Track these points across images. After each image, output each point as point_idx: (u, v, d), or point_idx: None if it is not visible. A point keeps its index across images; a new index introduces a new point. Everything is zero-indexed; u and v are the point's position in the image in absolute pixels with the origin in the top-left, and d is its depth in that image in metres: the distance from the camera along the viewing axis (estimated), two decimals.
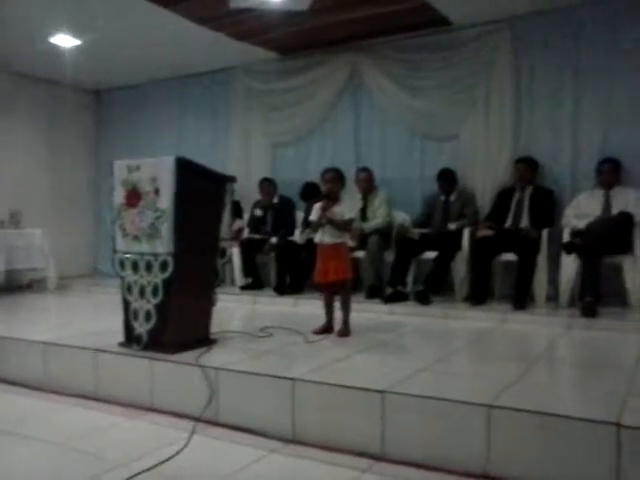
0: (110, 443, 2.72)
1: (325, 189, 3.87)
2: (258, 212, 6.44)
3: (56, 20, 5.42)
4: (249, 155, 6.92)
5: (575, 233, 4.65)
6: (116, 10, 5.19)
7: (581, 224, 4.64)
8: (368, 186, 5.80)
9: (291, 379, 2.75)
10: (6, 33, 5.80)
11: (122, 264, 3.53)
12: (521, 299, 4.61)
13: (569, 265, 4.63)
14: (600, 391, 2.62)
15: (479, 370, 3.14)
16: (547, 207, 5.06)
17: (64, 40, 5.97)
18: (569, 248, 4.54)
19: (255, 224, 6.42)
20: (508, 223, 5.12)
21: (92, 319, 4.87)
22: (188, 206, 3.35)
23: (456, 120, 5.74)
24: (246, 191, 6.63)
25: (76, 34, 5.84)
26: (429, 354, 3.45)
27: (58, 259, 6.84)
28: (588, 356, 3.56)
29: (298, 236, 5.91)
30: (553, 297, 4.79)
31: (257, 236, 6.26)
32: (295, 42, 6.14)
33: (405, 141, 6.06)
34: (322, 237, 3.80)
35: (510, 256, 4.88)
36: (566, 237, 4.74)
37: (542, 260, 4.76)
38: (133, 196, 3.48)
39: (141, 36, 5.90)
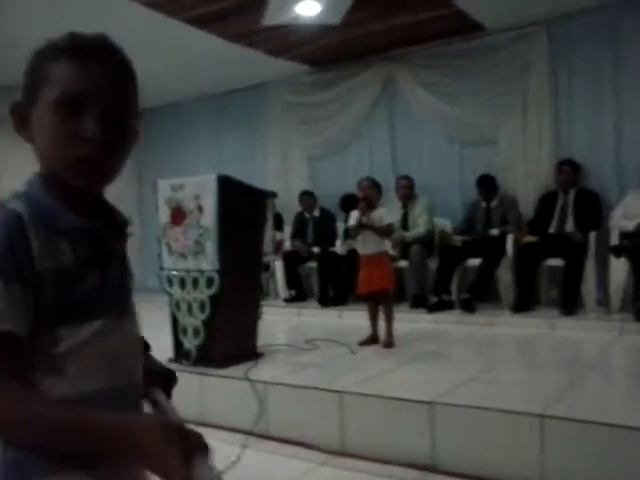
0: None
1: (361, 195, 3.88)
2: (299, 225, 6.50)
3: None
4: (287, 168, 6.99)
5: (624, 235, 4.54)
6: (154, 33, 5.32)
7: (630, 225, 4.52)
8: (408, 194, 5.79)
9: (338, 391, 2.76)
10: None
11: (169, 281, 3.61)
12: (569, 304, 4.52)
13: (619, 268, 4.52)
14: None
15: (529, 379, 3.10)
16: (592, 209, 4.95)
17: None
18: (618, 251, 4.43)
19: (298, 235, 6.48)
20: (553, 228, 5.03)
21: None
22: (231, 222, 3.42)
23: (493, 125, 5.68)
24: (286, 204, 6.70)
25: None
26: (476, 363, 3.42)
27: None
28: None
29: (339, 247, 5.93)
30: (603, 302, 4.67)
31: (300, 247, 6.30)
32: (328, 55, 6.19)
33: (443, 148, 6.03)
34: (364, 247, 3.82)
35: (556, 261, 4.79)
36: (614, 240, 4.63)
37: (590, 264, 4.66)
38: (178, 214, 3.57)
39: (179, 56, 6.03)
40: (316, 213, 6.47)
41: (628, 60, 5.01)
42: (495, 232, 5.24)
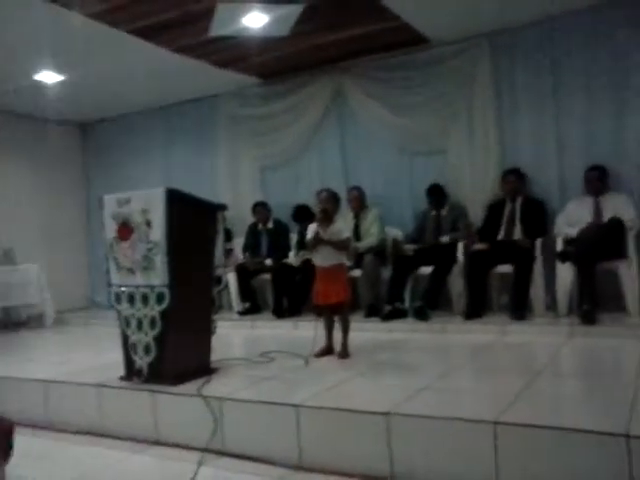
0: (118, 479, 2.69)
1: (320, 208, 3.87)
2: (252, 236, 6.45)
3: (40, 58, 5.44)
4: (238, 180, 6.93)
5: (568, 241, 4.68)
6: (98, 44, 5.20)
7: (573, 232, 4.67)
8: (359, 205, 5.83)
9: (294, 405, 2.73)
10: None
11: (118, 297, 3.51)
12: (519, 310, 4.62)
13: (565, 273, 4.65)
14: (607, 401, 2.62)
15: (482, 385, 3.14)
16: (538, 217, 5.09)
17: (48, 76, 6.00)
18: (563, 256, 4.56)
19: (251, 247, 6.42)
20: (501, 235, 5.15)
21: (92, 354, 4.82)
22: (181, 236, 3.35)
23: (441, 135, 5.78)
24: (237, 216, 6.65)
25: (60, 70, 5.86)
26: (431, 371, 3.44)
27: (53, 293, 6.79)
28: (591, 365, 3.56)
29: (292, 258, 5.91)
30: (551, 306, 4.80)
31: (249, 260, 6.26)
32: (277, 67, 6.19)
33: (393, 158, 6.09)
34: (321, 259, 3.81)
35: (506, 267, 4.89)
36: (559, 246, 4.76)
37: (538, 270, 4.78)
38: (124, 229, 3.48)
39: (124, 68, 5.92)
40: (270, 225, 6.43)
41: (568, 71, 5.20)
42: (446, 239, 5.33)
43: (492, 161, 5.52)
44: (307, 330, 4.83)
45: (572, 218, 4.87)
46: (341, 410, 2.63)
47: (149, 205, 3.37)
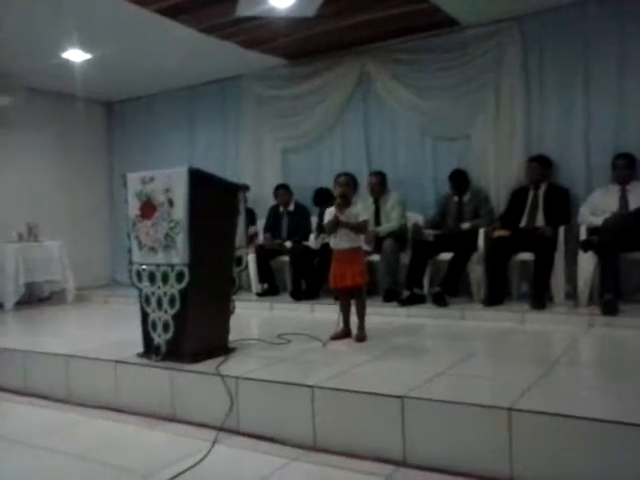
0: (133, 454, 2.75)
1: (338, 192, 3.87)
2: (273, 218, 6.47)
3: (67, 36, 5.47)
4: (261, 162, 6.94)
5: (592, 230, 4.61)
6: (124, 23, 5.23)
7: (598, 221, 4.60)
8: (379, 190, 5.80)
9: (310, 386, 2.75)
10: (18, 49, 5.87)
11: (139, 275, 3.55)
12: (539, 298, 4.57)
13: (587, 262, 4.58)
14: (624, 392, 2.59)
15: (499, 372, 3.12)
16: (562, 205, 5.02)
17: (75, 55, 6.04)
18: (586, 245, 4.50)
19: (271, 229, 6.44)
20: (523, 222, 5.09)
21: (111, 330, 4.90)
22: (202, 216, 3.37)
23: (466, 120, 5.71)
24: (259, 197, 6.66)
25: (86, 48, 5.89)
26: (448, 357, 3.43)
27: (75, 270, 6.90)
28: (610, 355, 3.53)
29: (312, 241, 5.91)
30: (572, 295, 4.74)
31: (268, 240, 6.28)
32: (303, 48, 6.15)
33: (416, 143, 6.04)
34: (337, 242, 3.82)
35: (527, 255, 4.84)
36: (583, 234, 4.70)
37: (559, 258, 4.72)
38: (147, 208, 3.51)
39: (150, 48, 5.94)
40: (291, 207, 6.44)
41: (599, 57, 5.09)
42: (466, 226, 5.28)
43: (517, 147, 5.44)
44: (324, 313, 4.88)
45: (597, 207, 4.80)
46: (356, 392, 2.64)
47: (172, 184, 3.39)
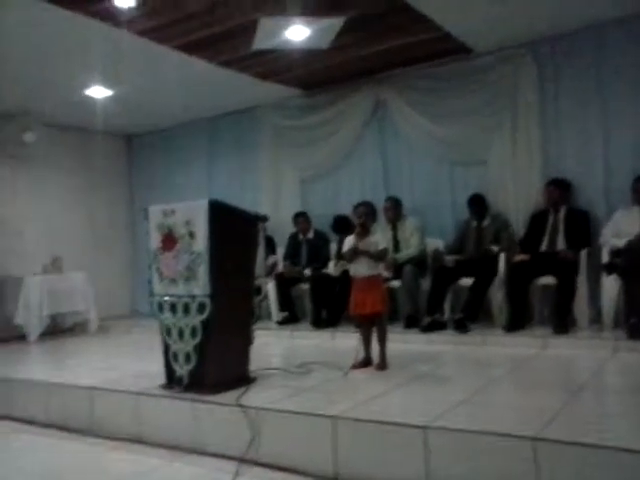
0: None
1: (358, 222, 3.89)
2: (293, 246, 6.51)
3: (90, 73, 5.64)
4: (279, 190, 7.00)
5: (615, 252, 4.56)
6: (146, 60, 5.37)
7: (620, 243, 4.54)
8: (393, 215, 5.81)
9: (331, 417, 2.74)
10: (41, 87, 6.04)
11: (160, 307, 3.58)
12: (562, 323, 4.51)
13: (611, 286, 4.52)
14: None
15: (522, 400, 3.08)
16: (583, 228, 4.98)
17: (97, 91, 6.20)
18: (610, 268, 4.44)
19: (291, 257, 6.47)
20: (544, 246, 5.05)
21: (134, 361, 4.92)
22: (223, 247, 3.41)
23: (483, 145, 5.72)
24: (278, 226, 6.70)
25: (108, 85, 6.05)
26: (470, 385, 3.40)
27: (97, 302, 6.99)
28: (637, 381, 3.44)
29: (332, 268, 5.92)
30: (596, 320, 4.67)
31: (288, 267, 6.31)
32: (318, 78, 6.25)
33: (433, 168, 6.06)
34: (357, 269, 3.83)
35: (548, 279, 4.80)
36: (605, 257, 4.65)
37: (582, 282, 4.67)
38: (169, 240, 3.56)
39: (169, 82, 6.07)
40: (310, 235, 6.47)
41: (615, 79, 5.08)
42: (495, 249, 5.22)
43: (535, 171, 5.43)
44: (345, 341, 4.85)
45: (619, 229, 4.74)
46: (378, 422, 2.63)
47: (192, 216, 3.44)
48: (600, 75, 5.15)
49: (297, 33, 4.95)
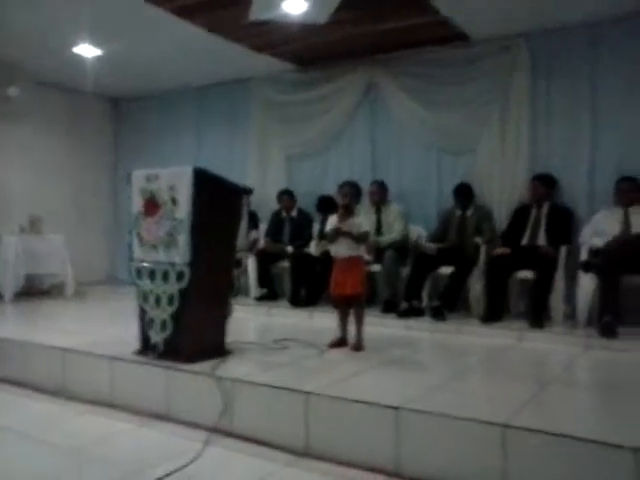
0: (123, 451, 2.74)
1: (342, 202, 3.88)
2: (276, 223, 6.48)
3: (79, 31, 5.50)
4: (266, 166, 6.95)
5: (594, 252, 4.60)
6: (138, 20, 5.25)
7: (600, 242, 4.59)
8: (378, 199, 5.81)
9: (305, 392, 2.74)
10: (29, 42, 5.90)
11: (139, 272, 3.55)
12: (538, 317, 4.56)
13: (587, 283, 4.57)
14: (619, 414, 2.58)
15: (494, 389, 3.11)
16: (564, 225, 5.02)
17: (86, 50, 6.06)
18: (587, 267, 4.49)
19: (273, 234, 6.45)
20: (525, 240, 5.09)
21: (109, 326, 4.89)
22: (205, 216, 3.38)
23: (472, 135, 5.73)
24: (262, 202, 6.66)
25: (98, 44, 5.91)
26: (444, 371, 3.43)
27: (76, 265, 6.90)
28: (606, 377, 3.50)
29: (314, 248, 5.91)
30: (570, 316, 4.73)
31: (269, 244, 6.30)
32: (313, 54, 6.18)
33: (421, 155, 6.06)
34: (338, 250, 3.82)
35: (527, 273, 4.84)
36: (584, 255, 4.69)
37: (559, 278, 4.71)
38: (151, 205, 3.51)
39: (160, 47, 5.97)
40: (294, 213, 6.44)
41: (606, 78, 5.11)
42: (478, 242, 5.24)
43: (521, 165, 5.46)
44: (322, 320, 4.86)
45: (599, 228, 4.79)
46: (351, 401, 2.64)
47: (176, 183, 3.40)
48: (592, 73, 5.18)
49: (295, 6, 4.88)
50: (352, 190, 4.04)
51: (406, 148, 6.13)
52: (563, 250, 4.81)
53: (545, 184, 5.17)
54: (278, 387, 2.85)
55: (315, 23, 5.18)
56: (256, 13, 5.00)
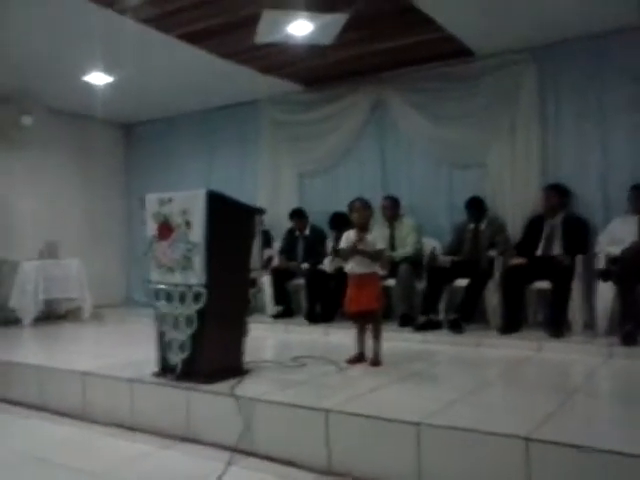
0: (146, 473, 2.75)
1: (357, 219, 3.88)
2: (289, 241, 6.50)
3: (91, 59, 5.60)
4: (277, 185, 6.99)
5: (611, 260, 4.57)
6: (147, 48, 5.33)
7: (616, 250, 4.56)
8: (392, 214, 5.82)
9: (325, 410, 2.74)
10: (42, 71, 6.01)
11: (156, 295, 3.57)
12: (557, 326, 4.52)
13: (605, 292, 4.54)
14: None
15: (515, 401, 3.08)
16: (580, 234, 4.99)
17: (97, 78, 6.16)
18: (605, 275, 4.46)
19: (287, 252, 6.47)
20: (540, 251, 5.06)
21: (127, 349, 4.91)
22: (220, 238, 3.40)
23: (482, 148, 5.73)
24: (275, 220, 6.69)
25: (108, 71, 6.02)
26: (463, 384, 3.40)
27: (92, 289, 6.96)
28: (630, 387, 3.45)
29: (327, 264, 5.92)
30: (590, 325, 4.69)
31: (283, 261, 6.32)
32: (320, 74, 6.24)
33: (432, 169, 6.07)
34: (353, 267, 3.82)
35: (543, 284, 4.81)
36: (601, 264, 4.66)
37: (577, 287, 4.68)
38: (165, 229, 3.54)
39: (170, 72, 6.06)
40: (307, 232, 6.47)
41: (616, 87, 5.10)
42: (493, 255, 5.22)
43: (533, 176, 5.45)
44: (338, 336, 4.86)
45: (615, 236, 4.76)
46: (371, 417, 2.63)
47: (189, 206, 3.43)
48: (601, 84, 5.18)
49: (300, 28, 4.94)
50: (362, 205, 3.95)
51: (416, 163, 6.15)
52: (579, 259, 4.78)
53: (558, 194, 5.15)
54: (297, 405, 2.85)
55: (321, 44, 5.24)
56: (262, 36, 5.07)
